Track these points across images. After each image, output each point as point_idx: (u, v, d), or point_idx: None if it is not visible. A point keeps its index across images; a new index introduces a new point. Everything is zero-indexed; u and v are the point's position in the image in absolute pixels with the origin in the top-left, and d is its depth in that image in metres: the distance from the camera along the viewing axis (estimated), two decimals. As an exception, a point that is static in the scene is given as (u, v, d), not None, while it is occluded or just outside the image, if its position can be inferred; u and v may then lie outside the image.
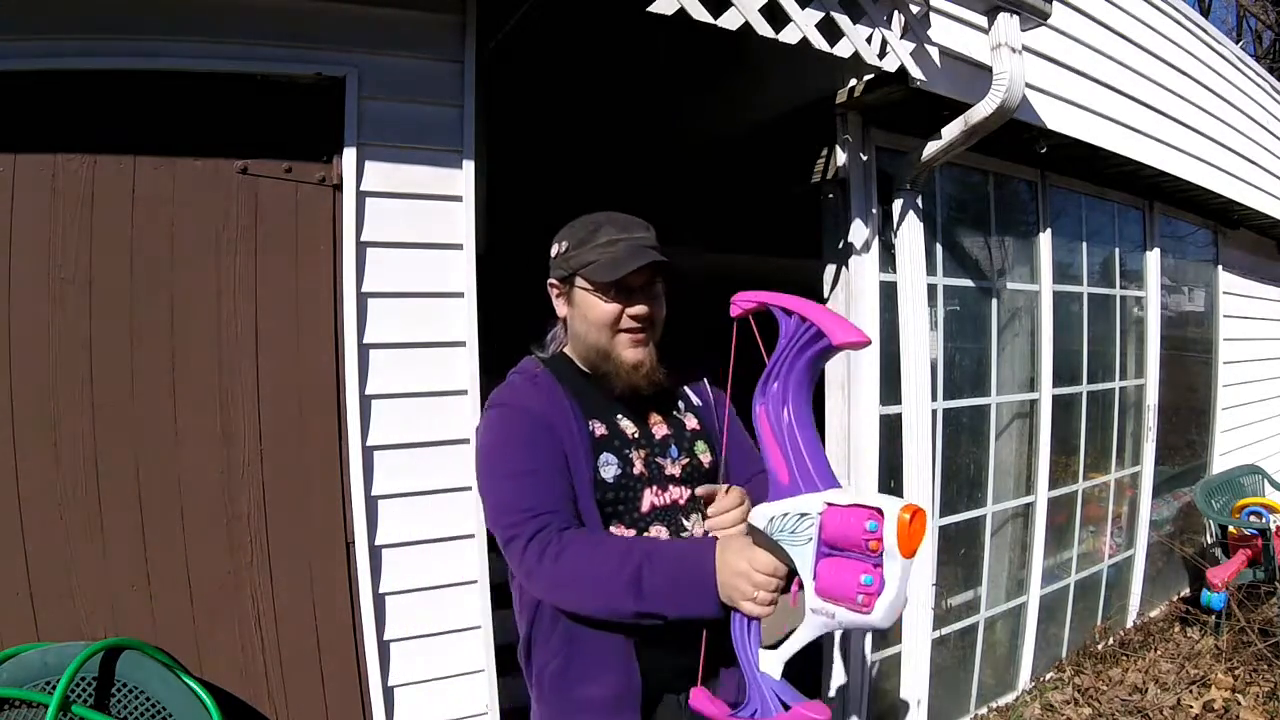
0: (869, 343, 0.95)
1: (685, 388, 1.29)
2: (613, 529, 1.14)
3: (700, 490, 1.11)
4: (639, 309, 1.14)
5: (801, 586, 0.95)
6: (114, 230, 1.60)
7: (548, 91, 3.27)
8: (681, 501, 1.20)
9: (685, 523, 1.19)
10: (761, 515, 0.97)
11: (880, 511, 0.88)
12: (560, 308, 1.22)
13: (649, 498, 1.17)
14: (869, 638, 2.34)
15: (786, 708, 0.94)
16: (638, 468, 1.17)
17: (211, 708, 1.53)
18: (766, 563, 0.95)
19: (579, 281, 1.16)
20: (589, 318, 1.16)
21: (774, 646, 0.99)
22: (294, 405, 1.73)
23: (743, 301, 1.05)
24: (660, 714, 1.17)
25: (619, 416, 1.19)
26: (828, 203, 2.36)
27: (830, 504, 0.92)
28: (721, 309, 1.08)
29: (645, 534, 1.15)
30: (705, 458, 1.24)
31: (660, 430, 1.22)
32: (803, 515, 0.94)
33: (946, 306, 2.61)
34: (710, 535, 1.07)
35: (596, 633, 1.10)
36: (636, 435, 1.19)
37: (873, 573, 0.88)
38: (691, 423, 1.26)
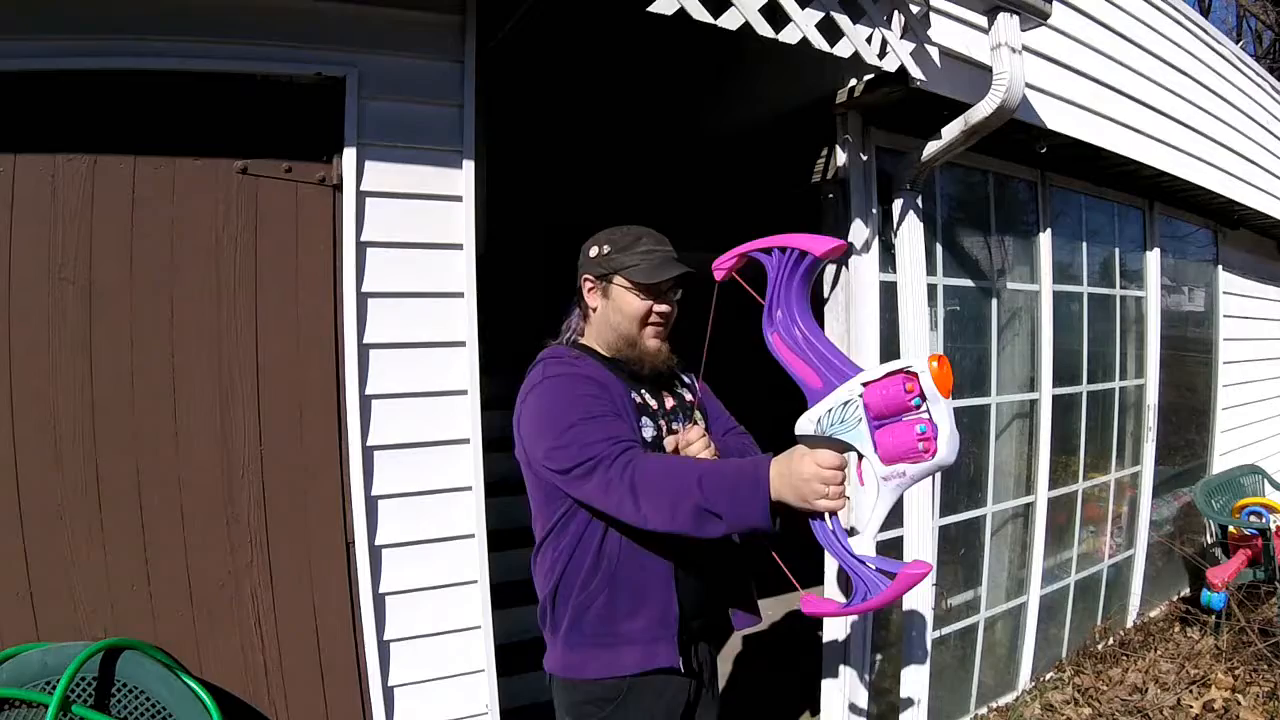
0: (845, 247, 1.11)
1: (681, 373, 1.56)
2: None
3: (667, 441, 1.38)
4: (664, 308, 1.40)
5: (862, 467, 1.06)
6: (114, 230, 1.60)
7: (548, 92, 3.27)
8: None
9: None
10: (808, 421, 1.07)
11: (910, 370, 1.01)
12: (593, 299, 1.43)
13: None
14: (868, 641, 2.34)
15: (892, 577, 1.03)
16: (664, 431, 1.40)
17: (211, 708, 1.53)
18: (831, 458, 1.07)
19: (618, 280, 1.38)
20: (624, 311, 1.39)
21: (854, 532, 1.11)
22: (294, 405, 1.74)
23: (724, 264, 1.21)
24: (691, 658, 1.35)
25: (643, 391, 1.41)
26: (828, 202, 2.36)
27: (866, 383, 1.04)
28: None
29: None
30: (700, 424, 1.52)
31: (669, 403, 1.47)
32: (846, 404, 1.04)
33: (946, 306, 2.60)
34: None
35: (637, 570, 1.29)
36: (657, 407, 1.43)
37: (924, 422, 1.00)
38: (689, 396, 1.53)
